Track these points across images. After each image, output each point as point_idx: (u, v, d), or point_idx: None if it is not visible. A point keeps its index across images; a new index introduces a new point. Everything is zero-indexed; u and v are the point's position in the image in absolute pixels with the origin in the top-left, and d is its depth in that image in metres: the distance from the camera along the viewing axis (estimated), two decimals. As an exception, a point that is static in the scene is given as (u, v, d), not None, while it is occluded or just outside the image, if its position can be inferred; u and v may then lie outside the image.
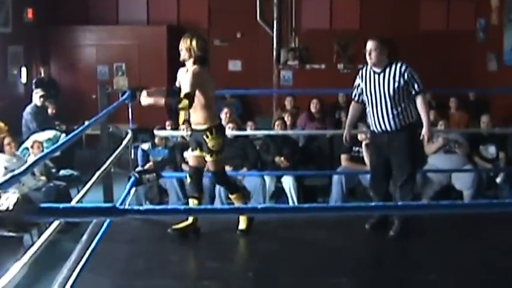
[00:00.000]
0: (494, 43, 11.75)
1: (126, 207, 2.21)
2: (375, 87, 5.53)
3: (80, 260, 4.59)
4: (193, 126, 5.34)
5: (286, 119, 9.17)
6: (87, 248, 4.78)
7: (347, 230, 5.94)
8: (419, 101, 5.50)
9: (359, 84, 5.70)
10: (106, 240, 5.08)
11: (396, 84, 5.43)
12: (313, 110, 10.44)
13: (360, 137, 8.25)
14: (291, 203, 8.10)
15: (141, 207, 2.29)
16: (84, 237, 5.53)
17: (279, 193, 8.43)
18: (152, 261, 5.15)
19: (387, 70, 5.47)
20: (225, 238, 5.33)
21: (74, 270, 4.45)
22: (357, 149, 8.39)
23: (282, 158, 8.39)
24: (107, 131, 6.24)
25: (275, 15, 12.10)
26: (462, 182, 8.08)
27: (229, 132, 8.09)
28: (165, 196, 8.28)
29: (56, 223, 3.95)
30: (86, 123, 4.75)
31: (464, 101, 10.79)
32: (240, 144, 8.33)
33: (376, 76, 5.52)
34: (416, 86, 5.47)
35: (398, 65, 5.48)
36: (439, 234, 5.79)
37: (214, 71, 12.84)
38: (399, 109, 5.49)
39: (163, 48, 12.70)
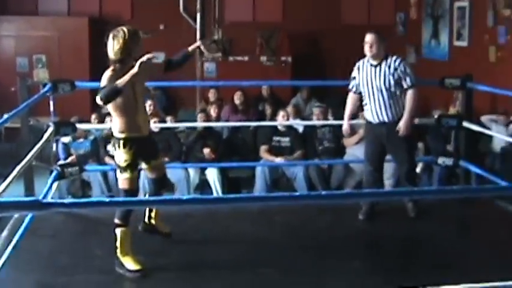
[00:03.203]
0: (413, 36, 12.01)
1: (50, 200, 2.17)
2: (371, 79, 5.75)
3: (1, 256, 4.49)
4: None
5: (212, 111, 9.18)
6: (8, 244, 4.68)
7: (271, 220, 6.02)
8: (409, 95, 5.77)
9: (355, 77, 5.90)
10: (28, 236, 4.99)
11: (391, 77, 5.69)
12: (236, 102, 10.48)
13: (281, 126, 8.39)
14: (215, 195, 8.13)
15: (65, 201, 2.27)
16: (4, 233, 5.41)
17: (204, 185, 8.44)
18: (76, 256, 5.07)
19: (383, 63, 5.72)
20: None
21: (-6, 267, 4.36)
22: (277, 138, 8.49)
23: (208, 150, 8.39)
24: (27, 125, 6.11)
25: (198, 7, 12.05)
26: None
27: (153, 125, 8.05)
28: (88, 190, 8.17)
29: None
30: (5, 116, 4.62)
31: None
32: (163, 137, 8.29)
33: (373, 69, 5.75)
34: (408, 79, 5.75)
35: (394, 58, 5.76)
36: (364, 223, 5.94)
37: (137, 63, 12.88)
38: (394, 101, 5.77)
39: (84, 40, 12.46)
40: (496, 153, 8.60)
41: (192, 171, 8.21)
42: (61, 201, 2.31)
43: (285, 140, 8.50)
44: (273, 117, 9.86)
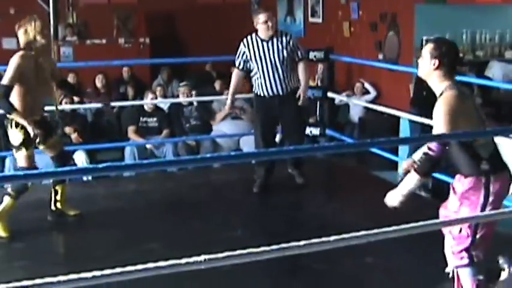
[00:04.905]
0: (268, 14, 12.29)
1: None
2: (265, 54, 5.89)
3: None
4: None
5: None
6: None
7: (148, 199, 6.08)
8: (302, 66, 6.03)
9: (244, 52, 5.98)
10: None
11: (285, 51, 5.87)
12: (98, 84, 10.33)
13: (147, 107, 8.39)
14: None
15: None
16: None
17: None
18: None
19: (275, 39, 5.88)
20: (23, 218, 5.19)
21: None
22: (144, 119, 8.50)
23: (75, 134, 8.23)
24: None
25: (51, -11, 11.71)
26: (249, 145, 8.46)
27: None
28: None
29: None
30: None
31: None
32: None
33: (265, 44, 5.88)
34: (299, 53, 5.98)
35: (284, 33, 5.99)
36: (242, 195, 6.14)
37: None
38: (287, 74, 5.94)
39: None
40: (354, 123, 9.09)
41: (59, 156, 8.04)
42: None
43: (152, 120, 8.52)
44: (136, 99, 9.84)
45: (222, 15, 12.82)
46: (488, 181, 3.56)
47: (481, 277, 3.67)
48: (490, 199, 3.57)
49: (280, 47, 5.89)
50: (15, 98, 4.85)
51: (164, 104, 8.99)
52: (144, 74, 11.60)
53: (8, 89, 4.78)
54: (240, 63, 6.08)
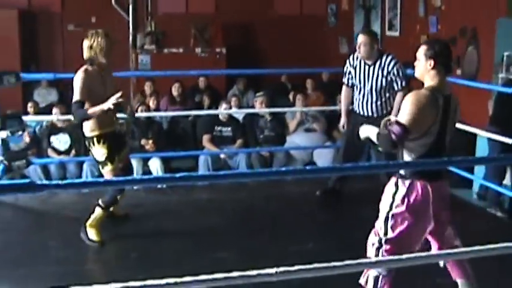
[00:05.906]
0: (345, 27, 12.26)
1: (44, 182, 2.20)
2: (364, 77, 5.86)
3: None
4: None
5: (151, 103, 9.17)
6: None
7: (221, 208, 6.13)
8: (399, 97, 5.79)
9: (350, 72, 5.99)
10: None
11: (384, 79, 5.80)
12: (174, 93, 10.48)
13: (222, 116, 8.48)
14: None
15: (60, 182, 2.30)
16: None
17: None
18: (32, 249, 5.04)
19: (377, 63, 5.81)
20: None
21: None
22: (219, 128, 8.58)
23: (151, 142, 8.38)
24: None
25: (130, -1, 12.00)
26: (323, 158, 8.46)
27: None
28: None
29: None
30: None
31: (319, 83, 11.25)
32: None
33: (367, 67, 5.84)
34: (400, 82, 5.84)
35: (389, 58, 5.83)
36: (315, 207, 6.12)
37: (69, 57, 12.69)
38: (383, 100, 5.89)
39: (14, 33, 12.19)
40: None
41: (134, 162, 8.18)
42: (55, 182, 2.35)
43: (227, 130, 8.60)
44: (211, 108, 9.96)
45: (299, 27, 12.84)
46: (397, 182, 3.66)
47: (381, 270, 3.70)
48: (397, 200, 3.66)
49: (380, 75, 5.80)
50: None
51: (239, 114, 9.06)
52: (220, 83, 11.72)
53: (81, 104, 4.81)
54: (347, 80, 6.09)
